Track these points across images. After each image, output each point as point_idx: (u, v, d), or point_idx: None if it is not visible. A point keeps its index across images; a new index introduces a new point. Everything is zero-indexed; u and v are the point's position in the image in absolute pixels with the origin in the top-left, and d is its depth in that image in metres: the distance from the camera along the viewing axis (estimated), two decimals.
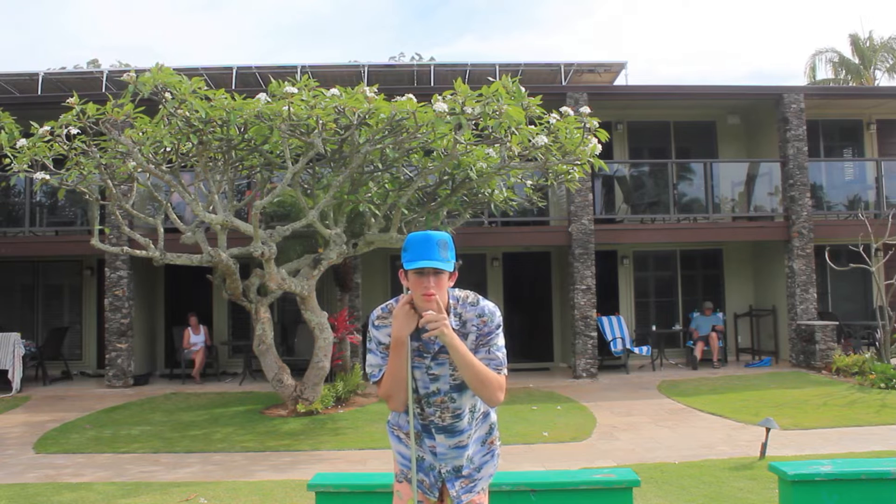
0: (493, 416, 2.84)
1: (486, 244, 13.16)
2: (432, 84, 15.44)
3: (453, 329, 2.58)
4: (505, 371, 2.62)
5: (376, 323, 2.68)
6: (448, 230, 9.35)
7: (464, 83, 6.63)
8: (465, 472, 2.73)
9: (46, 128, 7.22)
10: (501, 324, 2.65)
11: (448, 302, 2.61)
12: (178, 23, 68.06)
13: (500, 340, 2.65)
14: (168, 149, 7.80)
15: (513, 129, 6.98)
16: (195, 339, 12.24)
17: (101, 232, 9.04)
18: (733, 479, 5.85)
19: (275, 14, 68.96)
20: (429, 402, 2.69)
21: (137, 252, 8.68)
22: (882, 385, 9.83)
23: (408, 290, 2.59)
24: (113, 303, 11.71)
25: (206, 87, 6.99)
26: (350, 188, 8.63)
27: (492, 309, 2.63)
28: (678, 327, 13.69)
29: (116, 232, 11.03)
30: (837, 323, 12.22)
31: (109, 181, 8.21)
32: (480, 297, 2.67)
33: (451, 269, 2.55)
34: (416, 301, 2.55)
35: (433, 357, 2.63)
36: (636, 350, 12.62)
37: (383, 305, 2.71)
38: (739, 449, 6.94)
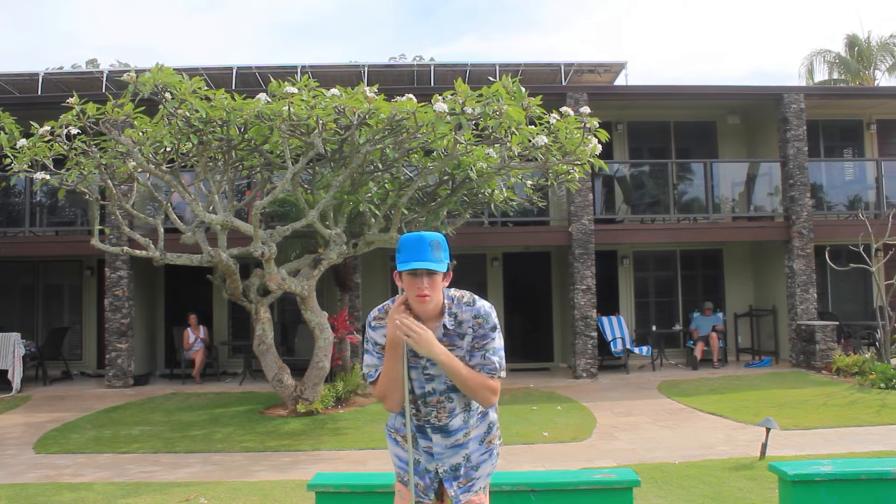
0: (493, 415, 2.83)
1: (486, 244, 13.15)
2: (432, 84, 15.44)
3: (448, 329, 2.60)
4: (501, 374, 2.62)
5: (373, 324, 2.69)
6: (448, 230, 9.35)
7: (464, 83, 6.62)
8: (462, 472, 2.73)
9: (46, 128, 7.21)
10: (497, 325, 2.64)
11: (443, 302, 2.61)
12: (178, 23, 68.07)
13: (497, 343, 2.63)
14: (168, 149, 7.79)
15: (513, 129, 6.98)
16: (195, 338, 12.23)
17: (101, 232, 9.03)
18: (733, 479, 5.85)
19: (275, 14, 68.96)
20: (425, 401, 2.69)
21: (137, 252, 8.68)
22: (882, 385, 9.83)
23: (403, 290, 2.60)
24: (113, 303, 11.71)
25: (206, 87, 6.98)
26: (350, 188, 8.63)
27: (487, 310, 2.63)
28: (678, 327, 13.69)
29: (116, 232, 11.02)
30: (837, 323, 12.21)
31: (109, 181, 8.20)
32: (476, 298, 2.67)
33: (445, 270, 2.55)
34: (411, 302, 2.56)
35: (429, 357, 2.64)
36: (636, 350, 12.62)
37: (380, 306, 2.72)
38: (739, 449, 6.94)
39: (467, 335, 2.61)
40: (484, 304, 2.64)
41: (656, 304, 14.06)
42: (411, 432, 2.72)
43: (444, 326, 2.60)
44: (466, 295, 2.66)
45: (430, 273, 2.52)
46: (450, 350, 2.59)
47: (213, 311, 13.32)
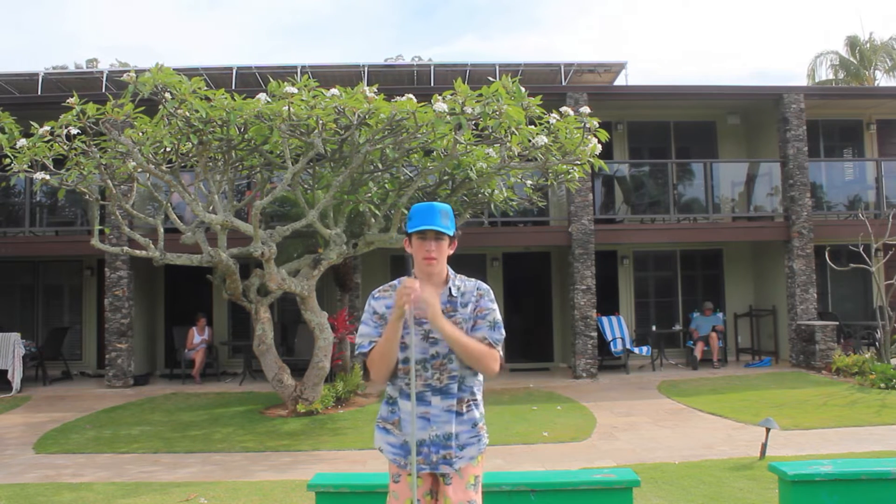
0: (481, 408, 2.89)
1: (486, 244, 13.15)
2: (432, 84, 15.44)
3: (452, 296, 2.80)
4: (500, 349, 2.79)
5: (377, 295, 2.85)
6: None
7: (464, 83, 6.63)
8: (452, 444, 2.75)
9: (46, 128, 7.22)
10: (495, 303, 2.84)
11: (447, 274, 2.81)
12: (178, 23, 68.07)
13: (498, 316, 2.83)
14: (168, 149, 7.80)
15: (513, 129, 6.98)
16: (198, 339, 12.22)
17: (101, 232, 9.03)
18: (733, 479, 5.85)
19: (275, 14, 68.97)
20: (426, 366, 2.76)
21: (137, 252, 8.68)
22: (882, 385, 9.83)
23: (412, 268, 2.78)
24: (113, 303, 11.71)
25: (206, 87, 6.98)
26: (350, 188, 8.63)
27: (487, 286, 2.87)
28: (678, 327, 13.68)
29: (116, 232, 11.02)
30: (837, 323, 12.21)
31: (109, 181, 8.20)
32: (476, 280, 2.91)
33: (451, 235, 2.75)
34: (418, 265, 2.75)
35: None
36: (636, 350, 12.61)
37: (385, 284, 2.89)
38: (739, 449, 6.94)
39: (469, 303, 2.79)
40: (484, 283, 2.88)
41: (656, 304, 14.06)
42: (412, 404, 2.72)
43: (449, 292, 2.77)
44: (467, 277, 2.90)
45: (438, 236, 2.70)
46: (452, 317, 2.76)
47: (213, 311, 13.32)
